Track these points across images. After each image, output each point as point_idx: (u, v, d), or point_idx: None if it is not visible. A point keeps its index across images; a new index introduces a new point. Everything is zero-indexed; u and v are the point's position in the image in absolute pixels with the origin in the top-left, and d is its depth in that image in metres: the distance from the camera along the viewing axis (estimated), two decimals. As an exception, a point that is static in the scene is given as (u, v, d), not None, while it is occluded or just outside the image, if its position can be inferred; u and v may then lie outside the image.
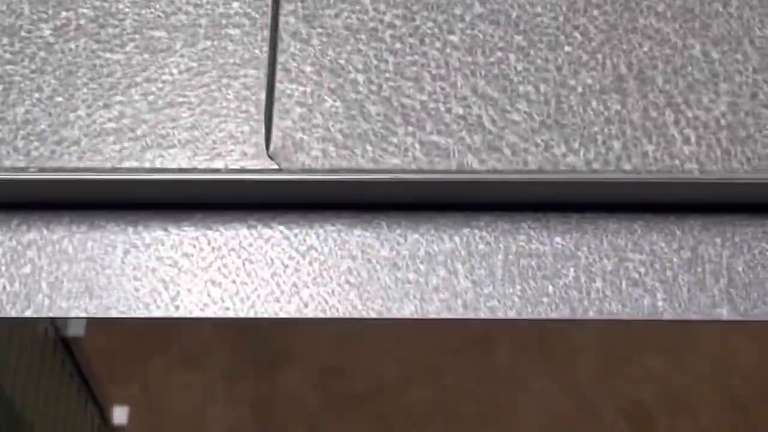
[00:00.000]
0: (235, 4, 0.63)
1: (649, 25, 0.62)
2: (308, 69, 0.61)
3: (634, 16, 0.62)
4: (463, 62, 0.61)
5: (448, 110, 0.60)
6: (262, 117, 0.59)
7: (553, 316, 0.55)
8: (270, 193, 0.57)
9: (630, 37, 0.61)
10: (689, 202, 0.56)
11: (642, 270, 0.56)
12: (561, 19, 0.62)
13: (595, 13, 0.62)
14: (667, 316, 0.54)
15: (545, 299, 0.56)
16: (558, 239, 0.57)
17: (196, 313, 0.55)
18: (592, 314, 0.55)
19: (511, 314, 0.55)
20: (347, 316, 0.55)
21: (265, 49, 0.61)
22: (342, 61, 0.61)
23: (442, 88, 0.61)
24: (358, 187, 0.57)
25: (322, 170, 0.57)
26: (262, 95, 0.60)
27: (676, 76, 0.60)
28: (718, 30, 0.61)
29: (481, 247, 0.57)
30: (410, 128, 0.59)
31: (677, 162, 0.58)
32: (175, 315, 0.55)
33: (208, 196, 0.57)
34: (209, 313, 0.55)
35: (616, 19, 0.62)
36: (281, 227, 0.57)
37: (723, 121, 0.59)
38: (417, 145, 0.59)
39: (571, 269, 0.56)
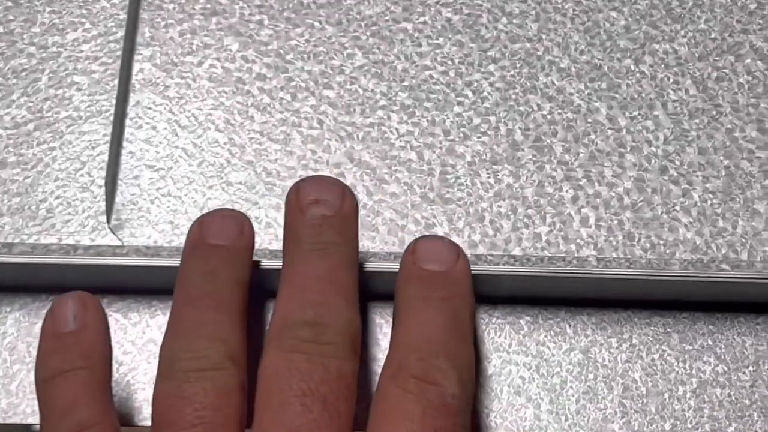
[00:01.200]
0: (86, 47, 0.55)
1: (550, 84, 0.55)
2: (162, 126, 0.54)
3: (534, 72, 0.55)
4: (339, 122, 0.54)
5: (319, 179, 0.53)
6: (104, 182, 0.52)
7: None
8: (110, 275, 0.50)
9: (528, 98, 0.54)
10: (583, 296, 0.50)
11: (526, 375, 0.49)
12: (452, 74, 0.55)
13: (491, 68, 0.55)
14: (550, 432, 0.48)
15: (415, 407, 0.49)
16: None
17: None
18: (466, 427, 0.48)
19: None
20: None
21: (113, 101, 0.54)
22: (201, 118, 0.54)
23: (314, 152, 0.53)
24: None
25: (169, 248, 0.50)
26: (107, 155, 0.53)
27: (577, 145, 0.53)
28: (627, 91, 0.54)
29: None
30: (274, 200, 0.52)
31: (573, 246, 0.51)
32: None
33: (36, 277, 0.50)
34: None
35: (514, 75, 0.55)
36: (118, 315, 0.50)
37: (627, 200, 0.52)
38: (280, 219, 0.52)
39: (446, 372, 0.49)
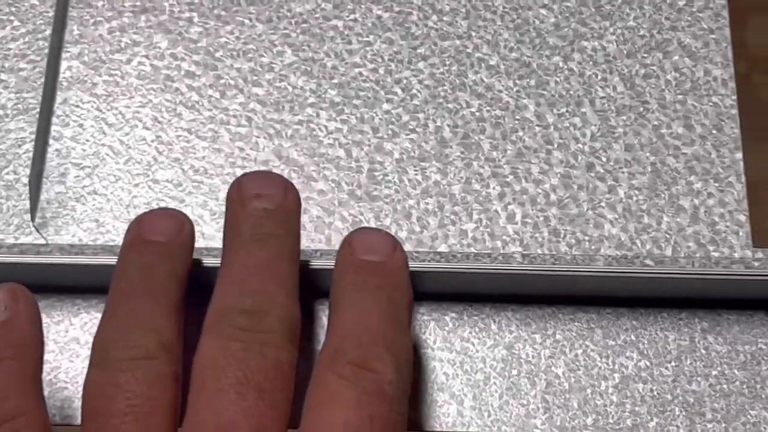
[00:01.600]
0: (13, 44, 0.55)
1: (479, 81, 0.55)
2: (89, 123, 0.54)
3: (463, 70, 0.55)
4: (268, 120, 0.54)
5: (246, 176, 0.53)
6: (28, 180, 0.52)
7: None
8: (34, 274, 0.49)
9: (457, 95, 0.54)
10: (508, 292, 0.50)
11: (450, 371, 0.49)
12: (382, 71, 0.55)
13: (421, 65, 0.55)
14: (474, 428, 0.48)
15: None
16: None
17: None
18: (390, 423, 0.48)
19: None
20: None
21: (40, 99, 0.53)
22: (129, 115, 0.54)
23: (242, 150, 0.53)
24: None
25: (94, 247, 0.50)
26: (32, 153, 0.52)
27: (504, 142, 0.53)
28: (555, 89, 0.55)
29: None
30: (201, 197, 0.52)
31: (499, 243, 0.51)
32: None
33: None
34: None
35: (444, 72, 0.55)
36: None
37: (553, 196, 0.52)
38: (206, 217, 0.52)
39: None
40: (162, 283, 0.43)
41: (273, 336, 0.41)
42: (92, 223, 0.51)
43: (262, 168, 0.53)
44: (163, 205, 0.52)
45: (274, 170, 0.53)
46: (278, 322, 0.42)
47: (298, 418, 0.41)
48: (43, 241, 0.51)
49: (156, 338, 0.42)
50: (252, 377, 0.40)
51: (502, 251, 0.51)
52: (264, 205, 0.44)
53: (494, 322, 0.50)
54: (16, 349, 0.41)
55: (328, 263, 0.48)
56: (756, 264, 0.49)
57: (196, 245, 0.50)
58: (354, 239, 0.45)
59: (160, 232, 0.45)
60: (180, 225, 0.45)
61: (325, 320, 0.49)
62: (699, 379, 0.49)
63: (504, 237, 0.51)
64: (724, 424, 0.48)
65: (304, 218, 0.52)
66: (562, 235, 0.51)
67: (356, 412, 0.39)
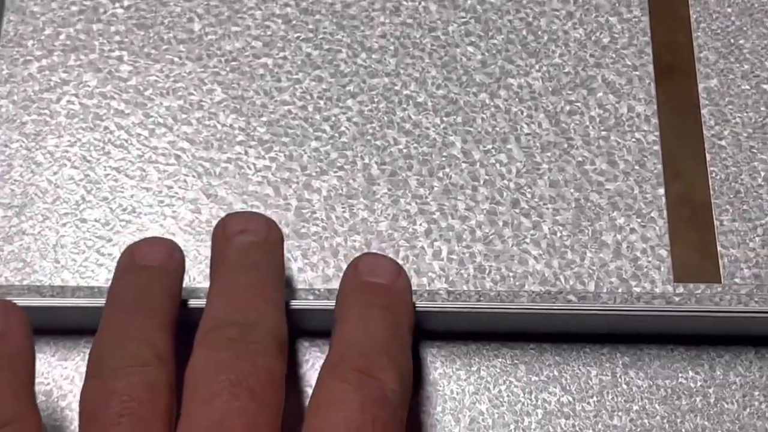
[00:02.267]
0: (-58, 84, 0.55)
1: (407, 118, 0.55)
2: (18, 163, 0.54)
3: (391, 107, 0.56)
4: (197, 157, 0.54)
5: (175, 215, 0.53)
6: (-43, 222, 0.52)
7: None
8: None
9: (385, 132, 0.55)
10: (434, 329, 0.50)
11: (375, 409, 0.49)
12: (310, 108, 0.56)
13: (350, 102, 0.56)
14: (398, 465, 0.48)
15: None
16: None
17: None
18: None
19: None
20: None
21: (-32, 140, 0.53)
22: (58, 154, 0.54)
23: (170, 188, 0.54)
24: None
25: (20, 287, 0.50)
26: (-39, 195, 0.52)
27: (431, 179, 0.54)
28: (482, 125, 0.55)
29: (199, 377, 0.50)
30: (129, 236, 0.52)
31: (425, 280, 0.52)
32: None
33: None
34: None
35: (372, 110, 0.55)
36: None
37: (479, 233, 0.53)
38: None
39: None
40: (156, 300, 0.45)
41: (263, 345, 0.43)
42: (19, 263, 0.52)
43: (190, 207, 0.53)
44: (90, 245, 0.52)
45: (203, 209, 0.53)
46: (267, 333, 0.43)
47: (290, 429, 0.42)
48: (-31, 282, 0.51)
49: (150, 349, 0.43)
50: (244, 380, 0.41)
51: (428, 288, 0.51)
52: (249, 238, 0.46)
53: (419, 359, 0.50)
54: (10, 359, 0.42)
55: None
56: (676, 299, 0.50)
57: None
58: (360, 262, 0.47)
59: (152, 258, 0.46)
60: (170, 251, 0.46)
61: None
62: (620, 414, 0.49)
63: (430, 273, 0.52)
64: (644, 459, 0.49)
65: (232, 257, 0.52)
66: (487, 272, 0.52)
67: (359, 413, 0.40)
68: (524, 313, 0.49)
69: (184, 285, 0.49)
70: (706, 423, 0.49)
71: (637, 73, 0.57)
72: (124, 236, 0.52)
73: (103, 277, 0.51)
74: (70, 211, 0.53)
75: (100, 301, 0.48)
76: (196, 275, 0.52)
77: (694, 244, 0.53)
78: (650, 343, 0.50)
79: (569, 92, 0.56)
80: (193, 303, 0.48)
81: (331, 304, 0.48)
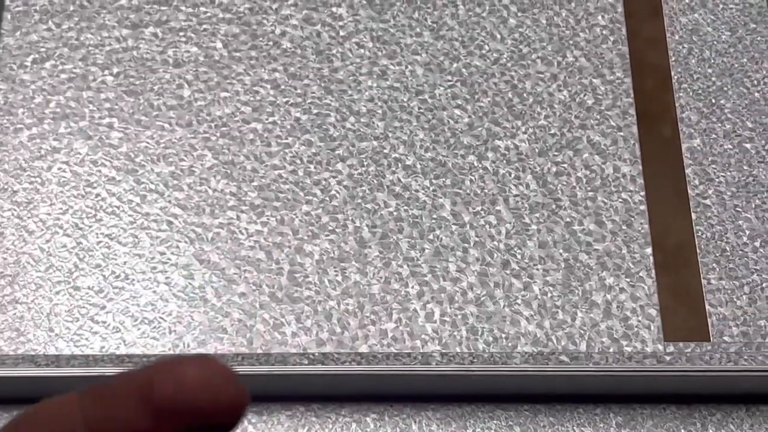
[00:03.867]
0: (-67, 153, 0.55)
1: (396, 181, 0.56)
2: (10, 231, 0.54)
3: (381, 170, 0.56)
4: (189, 223, 0.55)
5: (168, 281, 0.53)
6: (-50, 292, 0.52)
7: None
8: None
9: (375, 195, 0.56)
10: (428, 392, 0.51)
11: (372, 473, 0.50)
12: (301, 172, 0.56)
13: (339, 166, 0.56)
14: None
15: None
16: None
17: None
18: None
19: None
20: None
21: (-40, 209, 0.54)
22: (50, 222, 0.54)
23: (162, 254, 0.54)
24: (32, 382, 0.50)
25: (14, 357, 0.50)
26: (-46, 264, 0.52)
27: (422, 241, 0.55)
28: (471, 187, 0.56)
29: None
30: (122, 303, 0.53)
31: (418, 342, 0.52)
32: None
33: None
34: None
35: (362, 173, 0.56)
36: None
37: (470, 294, 0.53)
38: (128, 323, 0.52)
39: (293, 473, 0.50)
40: None
41: None
42: (13, 332, 0.52)
43: (183, 272, 0.53)
44: (84, 312, 0.52)
45: (195, 274, 0.53)
46: None
47: None
48: (-37, 353, 0.51)
49: None
50: None
51: (421, 350, 0.52)
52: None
53: (414, 422, 0.51)
54: None
55: (251, 369, 0.49)
56: (667, 358, 0.51)
57: (118, 352, 0.50)
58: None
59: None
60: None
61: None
62: (615, 473, 0.50)
63: (423, 336, 0.52)
64: None
65: (226, 322, 0.52)
66: (479, 333, 0.52)
67: None
68: (518, 375, 0.50)
69: (177, 351, 0.49)
70: (700, 481, 0.49)
71: (622, 133, 0.58)
72: (117, 303, 0.53)
73: (97, 345, 0.51)
74: (63, 279, 0.53)
75: (95, 371, 0.48)
76: (190, 341, 0.52)
77: (682, 303, 0.54)
78: (643, 403, 0.51)
79: (556, 153, 0.57)
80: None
81: (325, 369, 0.48)
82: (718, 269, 0.54)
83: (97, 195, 0.55)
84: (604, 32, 0.60)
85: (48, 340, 0.51)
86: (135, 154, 0.56)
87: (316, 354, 0.51)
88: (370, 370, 0.49)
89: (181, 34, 0.59)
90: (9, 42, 0.58)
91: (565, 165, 0.57)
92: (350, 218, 0.55)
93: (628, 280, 0.54)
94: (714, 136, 0.58)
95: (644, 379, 0.50)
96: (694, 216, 0.56)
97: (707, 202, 0.56)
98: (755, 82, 0.59)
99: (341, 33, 0.60)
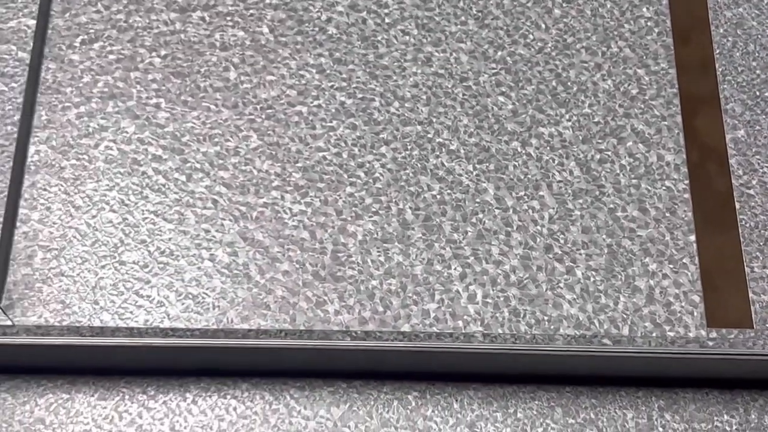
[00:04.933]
0: (-18, 129, 0.56)
1: (440, 165, 0.56)
2: (57, 206, 0.55)
3: (424, 154, 0.56)
4: (233, 202, 0.55)
5: (212, 257, 0.54)
6: (-3, 263, 0.52)
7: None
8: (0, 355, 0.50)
9: (419, 179, 0.56)
10: (470, 371, 0.51)
11: (413, 450, 0.50)
12: (345, 155, 0.56)
13: (383, 149, 0.57)
14: (436, 506, 0.48)
15: (303, 484, 0.50)
16: (323, 412, 0.51)
17: None
18: (354, 502, 0.49)
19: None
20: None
21: (8, 182, 0.54)
22: (96, 198, 0.55)
23: (207, 231, 0.54)
24: (89, 351, 0.50)
25: (60, 328, 0.50)
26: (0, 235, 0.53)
27: (465, 224, 0.55)
28: (514, 172, 0.56)
29: (237, 417, 0.51)
30: (167, 278, 0.53)
31: (460, 323, 0.52)
32: None
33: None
34: None
35: (405, 157, 0.56)
36: (6, 394, 0.50)
37: (513, 277, 0.53)
38: (172, 298, 0.52)
39: (335, 448, 0.50)
40: None
41: None
42: (58, 304, 0.52)
43: (227, 250, 0.54)
44: (129, 286, 0.52)
45: (239, 252, 0.54)
46: None
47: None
48: (9, 323, 0.51)
49: None
50: None
51: (463, 331, 0.52)
52: None
53: (456, 401, 0.51)
54: None
55: (293, 343, 0.49)
56: (710, 343, 0.51)
57: (162, 325, 0.51)
58: None
59: None
60: None
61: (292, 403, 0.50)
62: (657, 456, 0.49)
63: (465, 317, 0.52)
64: (682, 501, 0.49)
65: (269, 299, 0.52)
66: (522, 315, 0.52)
67: None
68: (560, 355, 0.50)
69: (221, 326, 0.49)
70: (742, 466, 0.49)
71: (666, 123, 0.58)
72: (162, 278, 0.53)
73: (142, 318, 0.52)
74: (109, 253, 0.53)
75: (139, 341, 0.48)
76: (234, 317, 0.52)
77: (726, 291, 0.53)
78: (685, 387, 0.51)
79: (599, 141, 0.57)
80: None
81: (367, 344, 0.48)
82: (761, 258, 0.54)
83: (143, 173, 0.56)
84: (648, 23, 0.60)
85: (93, 313, 0.52)
86: (181, 134, 0.57)
87: (358, 332, 0.51)
88: (412, 347, 0.50)
89: (228, 18, 0.60)
90: (58, 23, 0.59)
91: (609, 152, 0.57)
92: (393, 200, 0.55)
93: (671, 266, 0.54)
94: (758, 127, 0.58)
95: (686, 362, 0.50)
96: (738, 205, 0.56)
97: (751, 191, 0.56)
98: (800, 75, 0.59)
99: (386, 20, 0.60)
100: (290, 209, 0.55)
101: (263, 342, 0.50)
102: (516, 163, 0.56)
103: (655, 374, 0.50)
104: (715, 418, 0.50)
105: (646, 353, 0.49)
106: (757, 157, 0.57)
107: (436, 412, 0.50)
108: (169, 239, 0.54)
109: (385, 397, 0.50)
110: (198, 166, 0.56)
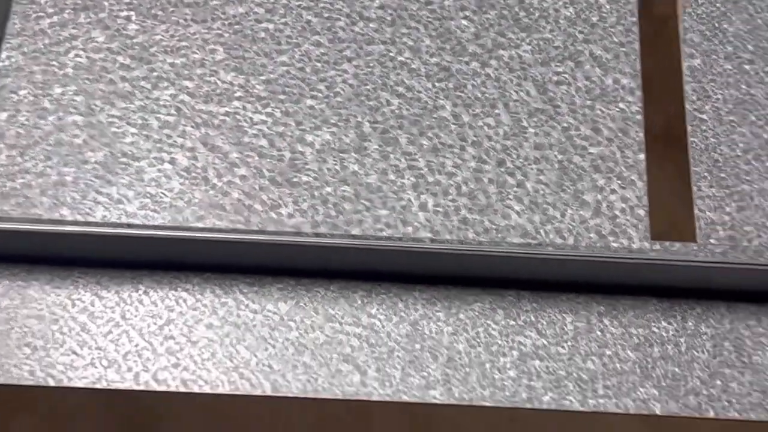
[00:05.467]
0: (-43, 34, 0.58)
1: (400, 83, 0.58)
2: (24, 108, 0.56)
3: (386, 72, 0.58)
4: (196, 110, 0.57)
5: (172, 161, 0.55)
6: (-37, 157, 0.54)
7: (255, 392, 0.50)
8: None
9: (379, 94, 0.57)
10: (415, 272, 0.52)
11: (356, 344, 0.51)
12: (308, 70, 0.58)
13: (346, 66, 0.58)
14: (375, 397, 0.50)
15: (244, 371, 0.51)
16: (270, 306, 0.52)
17: None
18: (295, 391, 0.50)
19: (206, 388, 0.50)
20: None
21: (-21, 83, 0.56)
22: (64, 102, 0.56)
23: (169, 136, 0.56)
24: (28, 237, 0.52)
25: (21, 219, 0.52)
26: (-31, 133, 0.55)
27: (421, 138, 0.56)
28: (472, 91, 0.57)
29: (186, 308, 0.52)
30: (127, 179, 0.54)
31: (410, 229, 0.54)
32: None
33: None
34: None
35: (367, 74, 0.58)
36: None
37: (464, 188, 0.55)
38: (131, 198, 0.54)
39: (280, 340, 0.51)
40: None
41: None
42: (20, 198, 0.54)
43: (187, 154, 0.55)
44: (90, 184, 0.54)
45: (199, 156, 0.55)
46: None
47: None
48: (-29, 212, 0.53)
49: None
50: None
51: (412, 236, 0.53)
52: None
53: (401, 300, 0.52)
54: None
55: (245, 238, 0.50)
56: (653, 254, 0.52)
57: (118, 221, 0.52)
58: None
59: None
60: None
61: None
62: (593, 358, 0.51)
63: (415, 224, 0.54)
64: (615, 400, 0.50)
65: (225, 200, 0.54)
66: (470, 224, 0.54)
67: None
68: (505, 256, 0.51)
69: (177, 223, 0.51)
70: (676, 369, 0.50)
71: (624, 49, 0.59)
72: (122, 178, 0.54)
73: (99, 214, 0.53)
74: (72, 153, 0.55)
75: (95, 230, 0.50)
76: (189, 216, 0.53)
77: (672, 207, 0.55)
78: (625, 294, 0.52)
79: (558, 64, 0.58)
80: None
81: (316, 241, 0.50)
82: (709, 178, 0.55)
83: (111, 80, 0.57)
84: (612, -45, 0.61)
85: (53, 207, 0.53)
86: (150, 45, 0.58)
87: (310, 233, 0.52)
88: (359, 245, 0.51)
89: (203, -60, 0.61)
90: (37, -61, 0.61)
91: (567, 75, 0.58)
92: (353, 113, 0.57)
93: (619, 182, 0.55)
94: (715, 57, 0.59)
95: (626, 268, 0.51)
96: (689, 128, 0.57)
97: (704, 116, 0.57)
98: (759, 9, 0.60)
99: (357, -54, 0.61)
100: (251, 119, 0.56)
101: (216, 236, 0.51)
102: (474, 83, 0.58)
103: (596, 280, 0.52)
104: (653, 324, 0.51)
105: (587, 257, 0.51)
106: (712, 84, 0.58)
107: (381, 310, 0.52)
108: (132, 143, 0.55)
109: (331, 294, 0.52)
110: (164, 75, 0.57)
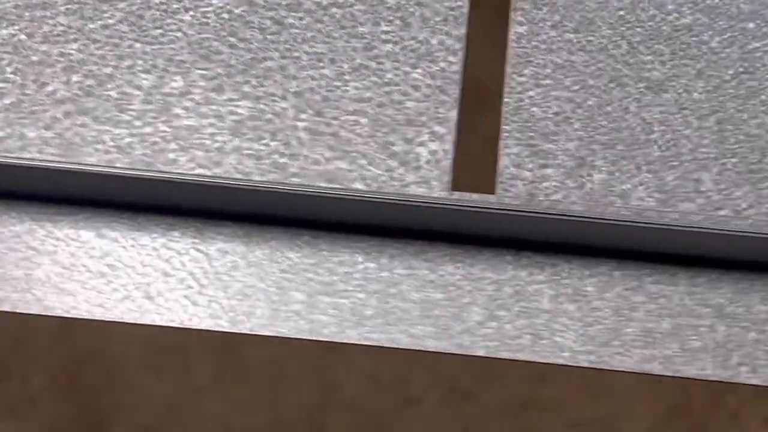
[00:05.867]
0: None
1: (233, 33, 0.60)
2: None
3: (221, 23, 0.60)
4: (32, 49, 0.59)
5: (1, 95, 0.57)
6: None
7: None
8: None
9: (211, 44, 0.59)
10: (224, 210, 0.54)
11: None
12: (147, 17, 0.60)
13: (182, 15, 0.60)
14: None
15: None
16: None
17: None
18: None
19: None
20: None
21: None
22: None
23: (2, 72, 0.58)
24: None
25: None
26: None
27: (245, 86, 0.58)
28: (301, 45, 0.60)
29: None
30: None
31: (220, 170, 0.56)
32: None
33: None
34: None
35: (203, 24, 0.60)
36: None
37: (280, 135, 0.57)
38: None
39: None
40: None
41: None
42: None
43: None
44: None
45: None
46: None
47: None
48: None
49: None
50: None
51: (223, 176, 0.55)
52: None
53: (200, 235, 0.54)
54: None
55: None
56: (450, 204, 0.54)
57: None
58: None
59: None
60: None
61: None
62: (378, 296, 0.53)
63: (227, 165, 0.56)
64: (385, 335, 0.52)
65: (48, 134, 0.56)
66: (280, 167, 0.56)
67: None
68: (307, 196, 0.53)
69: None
70: (456, 311, 0.52)
71: (453, 13, 0.61)
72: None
73: (-76, 140, 0.55)
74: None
75: None
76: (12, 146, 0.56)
77: (478, 162, 0.57)
78: (423, 239, 0.54)
79: (387, 24, 0.61)
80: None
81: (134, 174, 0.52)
82: (518, 136, 0.57)
83: (-47, 17, 0.59)
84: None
85: None
86: (-5, -14, 0.61)
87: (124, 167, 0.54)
88: (169, 179, 0.53)
89: None
90: None
91: (394, 34, 0.60)
92: (184, 60, 0.59)
93: (429, 136, 0.57)
94: (541, 25, 0.61)
95: (420, 212, 0.53)
96: (506, 89, 0.59)
97: (522, 78, 0.59)
98: (591, -18, 0.62)
99: None
100: (84, 60, 0.59)
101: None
102: (305, 37, 0.60)
103: (392, 223, 0.54)
104: (440, 268, 0.53)
105: (382, 200, 0.53)
106: (535, 50, 0.60)
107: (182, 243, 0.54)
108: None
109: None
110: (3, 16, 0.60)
